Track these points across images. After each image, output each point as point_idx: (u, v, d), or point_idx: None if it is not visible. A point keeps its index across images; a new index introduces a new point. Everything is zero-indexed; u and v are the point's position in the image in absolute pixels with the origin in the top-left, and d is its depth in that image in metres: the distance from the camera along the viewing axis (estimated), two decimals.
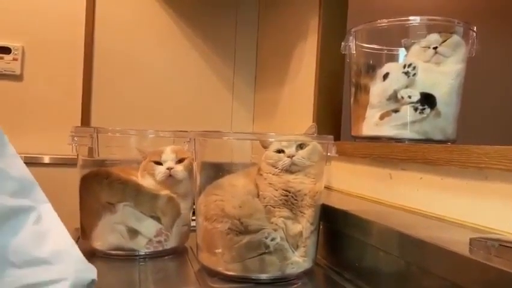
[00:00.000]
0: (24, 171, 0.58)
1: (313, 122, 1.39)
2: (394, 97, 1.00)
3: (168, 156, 0.97)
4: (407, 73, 0.98)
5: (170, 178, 0.95)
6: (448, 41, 0.99)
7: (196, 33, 1.93)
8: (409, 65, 0.98)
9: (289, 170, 0.84)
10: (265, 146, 0.87)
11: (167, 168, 0.95)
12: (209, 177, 0.88)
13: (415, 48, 1.02)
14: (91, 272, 0.59)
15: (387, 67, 1.05)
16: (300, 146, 0.85)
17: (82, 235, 0.98)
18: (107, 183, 0.93)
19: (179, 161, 0.97)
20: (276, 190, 0.83)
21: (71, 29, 1.75)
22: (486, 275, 0.51)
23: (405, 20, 1.02)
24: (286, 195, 0.83)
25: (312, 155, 0.85)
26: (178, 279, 0.88)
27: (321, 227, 0.89)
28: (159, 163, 0.96)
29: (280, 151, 0.84)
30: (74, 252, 0.58)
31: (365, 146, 1.03)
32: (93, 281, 0.58)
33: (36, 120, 1.70)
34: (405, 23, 1.02)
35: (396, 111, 1.00)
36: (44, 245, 0.55)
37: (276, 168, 0.83)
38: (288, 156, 0.83)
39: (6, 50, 1.66)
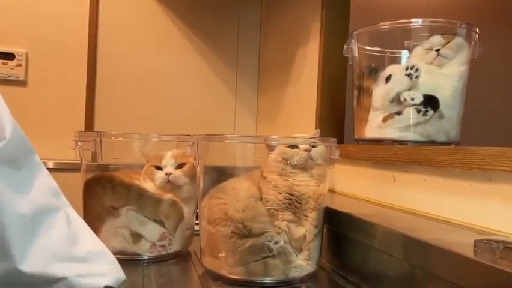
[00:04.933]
0: (50, 179, 0.62)
1: (316, 124, 1.39)
2: (397, 99, 1.00)
3: (168, 161, 0.97)
4: (409, 75, 0.98)
5: (169, 183, 0.96)
6: (450, 43, 0.99)
7: (199, 37, 1.94)
8: (412, 67, 0.98)
9: (303, 165, 0.83)
10: (271, 149, 0.87)
11: (166, 174, 0.95)
12: (212, 180, 0.88)
13: (418, 50, 1.02)
14: (122, 272, 0.64)
15: (390, 69, 1.04)
16: (313, 145, 0.85)
17: None
18: (110, 188, 0.93)
19: (180, 166, 0.97)
20: (280, 193, 0.83)
21: (75, 35, 1.76)
22: (491, 277, 0.50)
23: (407, 22, 1.02)
24: (290, 199, 0.82)
25: (323, 154, 0.85)
26: (181, 283, 0.88)
27: (324, 230, 0.89)
28: (159, 168, 0.97)
29: (294, 146, 0.84)
30: (108, 253, 0.64)
31: (368, 149, 1.03)
32: (125, 280, 0.64)
33: (40, 125, 1.71)
34: (407, 25, 1.02)
35: (399, 113, 1.00)
36: (80, 245, 0.60)
37: (290, 164, 0.83)
38: (306, 150, 0.83)
39: (10, 56, 1.67)
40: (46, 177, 0.61)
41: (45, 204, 0.59)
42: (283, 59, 1.70)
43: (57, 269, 0.56)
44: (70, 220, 0.61)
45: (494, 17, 2.01)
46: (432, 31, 1.01)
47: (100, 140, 0.93)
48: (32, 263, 0.54)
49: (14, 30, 1.69)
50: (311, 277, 0.84)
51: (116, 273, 0.63)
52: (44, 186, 0.60)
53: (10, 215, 0.53)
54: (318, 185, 0.85)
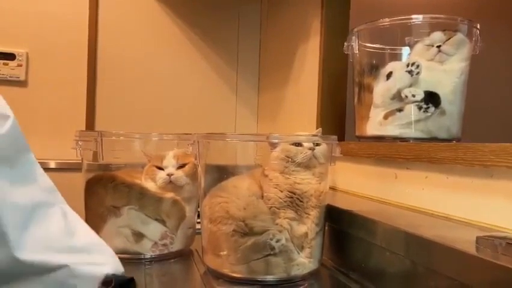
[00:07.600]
0: (45, 177, 0.63)
1: (316, 122, 1.39)
2: (398, 96, 0.99)
3: (169, 161, 0.97)
4: (410, 72, 0.97)
5: (170, 184, 0.96)
6: (451, 39, 0.99)
7: (199, 36, 1.94)
8: (412, 64, 0.97)
9: (306, 163, 0.83)
10: (273, 146, 0.87)
11: (168, 174, 0.95)
12: (213, 179, 0.88)
13: (418, 46, 1.01)
14: (121, 265, 0.65)
15: (391, 66, 1.04)
16: (316, 144, 0.85)
17: None
18: (111, 187, 0.93)
19: (181, 166, 0.97)
20: (281, 191, 0.82)
21: (75, 35, 1.76)
22: (493, 274, 0.50)
23: (408, 18, 1.01)
24: (292, 197, 0.82)
25: (325, 153, 0.85)
26: (183, 282, 0.88)
27: (326, 227, 0.89)
28: (160, 168, 0.97)
29: (298, 144, 0.84)
30: (106, 247, 0.66)
31: (370, 146, 1.02)
32: (123, 273, 0.65)
33: (41, 125, 1.71)
34: (408, 21, 1.02)
35: (400, 110, 0.99)
36: (78, 237, 0.62)
37: (294, 161, 0.83)
38: (310, 149, 0.83)
39: (10, 56, 1.67)
40: (41, 175, 0.62)
41: (41, 199, 0.59)
42: (284, 57, 1.69)
43: (57, 258, 0.57)
44: (66, 214, 0.62)
45: (495, 13, 2.00)
46: (433, 27, 1.01)
47: (101, 139, 0.93)
48: (29, 251, 0.55)
49: (14, 31, 1.69)
50: (313, 275, 0.84)
51: (116, 264, 0.64)
52: (39, 183, 0.60)
53: (5, 204, 0.54)
54: (320, 183, 0.85)
